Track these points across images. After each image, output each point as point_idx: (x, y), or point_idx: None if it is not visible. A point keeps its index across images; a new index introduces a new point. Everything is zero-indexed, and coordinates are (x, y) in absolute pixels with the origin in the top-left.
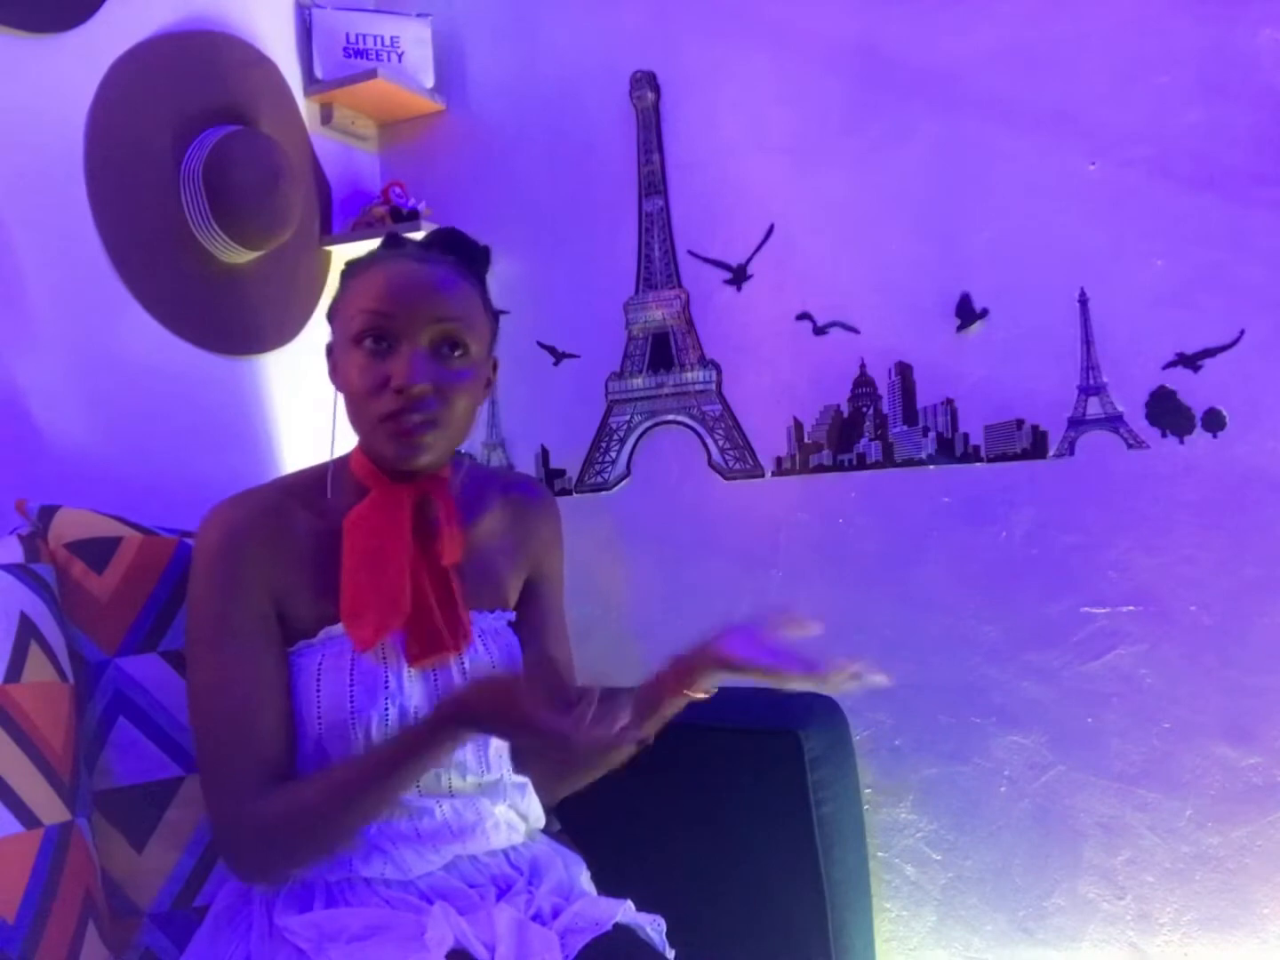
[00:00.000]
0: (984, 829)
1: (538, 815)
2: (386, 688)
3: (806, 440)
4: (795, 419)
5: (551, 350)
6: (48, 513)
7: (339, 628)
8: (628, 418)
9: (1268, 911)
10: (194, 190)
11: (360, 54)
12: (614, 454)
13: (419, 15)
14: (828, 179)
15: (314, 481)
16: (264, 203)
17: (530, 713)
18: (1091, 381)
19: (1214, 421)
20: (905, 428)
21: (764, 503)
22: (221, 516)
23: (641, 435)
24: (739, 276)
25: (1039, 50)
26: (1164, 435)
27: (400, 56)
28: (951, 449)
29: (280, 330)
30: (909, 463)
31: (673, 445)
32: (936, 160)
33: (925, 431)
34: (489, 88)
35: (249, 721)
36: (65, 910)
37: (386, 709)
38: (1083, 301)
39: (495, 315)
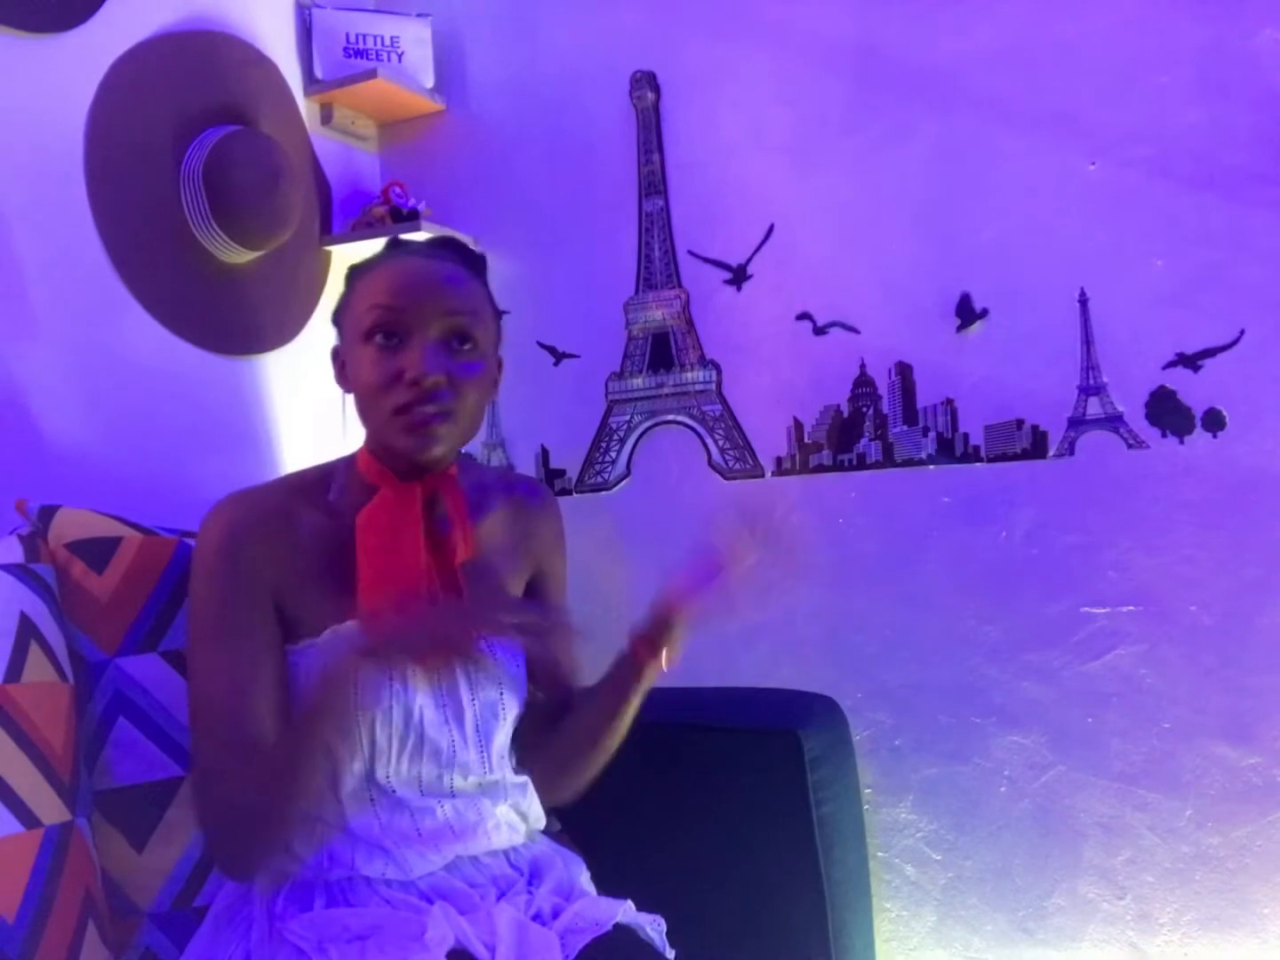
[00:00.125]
0: (984, 829)
1: (538, 815)
2: (390, 687)
3: (806, 440)
4: (795, 419)
5: (551, 350)
6: (48, 513)
7: (345, 626)
8: (628, 418)
9: (1268, 911)
10: (194, 190)
11: (360, 54)
12: (614, 454)
13: (419, 15)
14: (828, 179)
15: (318, 481)
16: (264, 203)
17: (438, 623)
18: (1091, 381)
19: (1214, 421)
20: (905, 428)
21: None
22: (224, 514)
23: (641, 435)
24: (739, 276)
25: (1039, 50)
26: (1164, 435)
27: (400, 56)
28: (951, 449)
29: (280, 330)
30: (909, 463)
31: (673, 445)
32: (936, 160)
33: (925, 431)
34: (489, 88)
35: (243, 719)
36: (65, 910)
37: (391, 707)
38: (1083, 301)
39: (499, 314)
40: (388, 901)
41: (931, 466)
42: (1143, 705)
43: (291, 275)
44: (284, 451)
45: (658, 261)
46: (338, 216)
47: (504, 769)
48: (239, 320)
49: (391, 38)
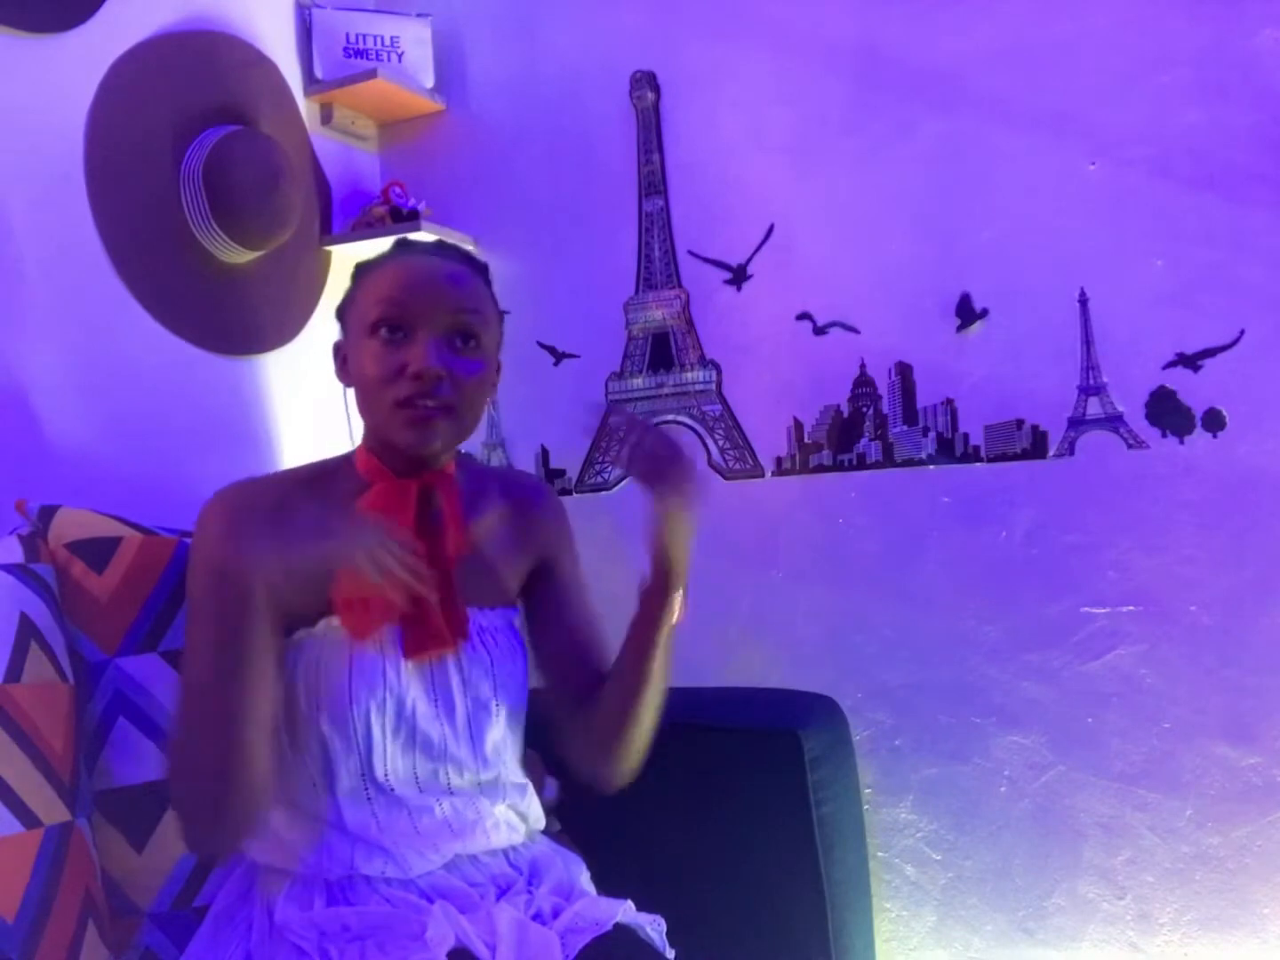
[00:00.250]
0: (984, 829)
1: (538, 815)
2: (384, 679)
3: (806, 440)
4: (795, 419)
5: (551, 350)
6: (48, 513)
7: (338, 618)
8: None
9: (1268, 911)
10: (194, 190)
11: (360, 54)
12: (614, 454)
13: (419, 15)
14: (828, 179)
15: (317, 475)
16: (264, 203)
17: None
18: (1091, 381)
19: (1214, 421)
20: (905, 428)
21: (764, 503)
22: (222, 503)
23: None
24: (739, 276)
25: (1039, 50)
26: (1164, 435)
27: (400, 56)
28: (951, 449)
29: (280, 330)
30: (909, 463)
31: None
32: (937, 160)
33: (925, 431)
34: (489, 88)
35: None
36: (65, 910)
37: (384, 699)
38: (1083, 301)
39: (502, 317)
40: (388, 900)
41: (931, 466)
42: (1143, 705)
43: (291, 275)
44: (284, 451)
45: (658, 261)
46: (338, 216)
47: (499, 767)
48: (239, 320)
49: (391, 38)
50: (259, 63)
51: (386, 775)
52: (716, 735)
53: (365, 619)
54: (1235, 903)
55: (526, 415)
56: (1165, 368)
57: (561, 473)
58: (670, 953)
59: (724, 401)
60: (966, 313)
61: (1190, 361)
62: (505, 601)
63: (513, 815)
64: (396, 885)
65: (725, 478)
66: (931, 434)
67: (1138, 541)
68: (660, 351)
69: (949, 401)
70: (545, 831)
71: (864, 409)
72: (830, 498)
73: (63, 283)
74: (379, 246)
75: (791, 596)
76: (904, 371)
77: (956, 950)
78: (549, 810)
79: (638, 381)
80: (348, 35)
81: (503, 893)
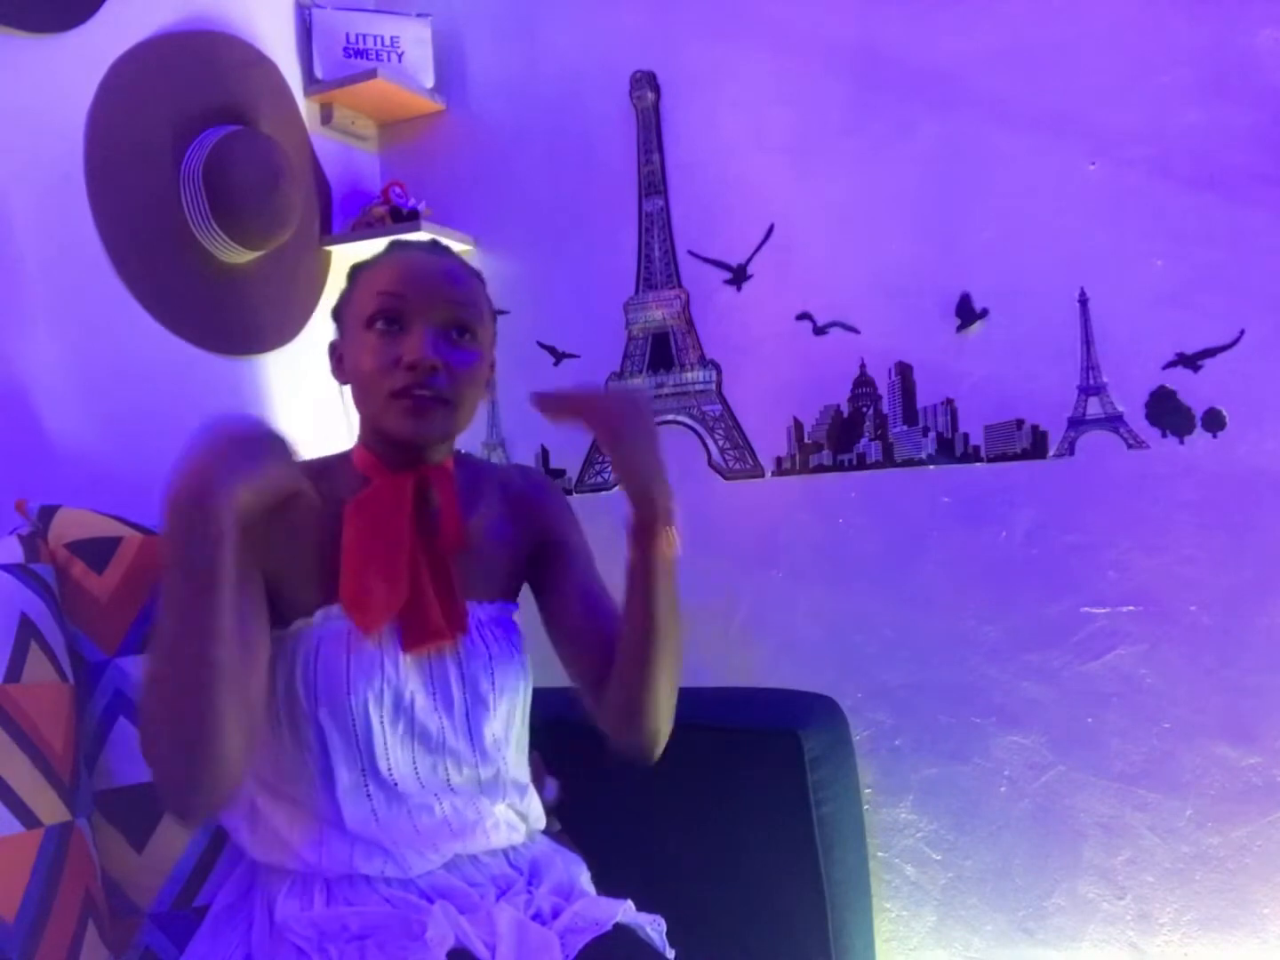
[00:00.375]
0: (984, 829)
1: (538, 816)
2: (382, 671)
3: (806, 440)
4: (795, 419)
5: (551, 350)
6: (48, 513)
7: (335, 609)
8: None
9: (1268, 911)
10: (194, 190)
11: (360, 54)
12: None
13: (419, 15)
14: (828, 179)
15: (314, 470)
16: (264, 203)
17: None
18: (1091, 381)
19: (1214, 421)
20: (905, 428)
21: (764, 503)
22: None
23: None
24: (739, 276)
25: (1039, 50)
26: (1164, 435)
27: (400, 56)
28: (951, 449)
29: (280, 330)
30: (909, 463)
31: (673, 445)
32: (936, 161)
33: (925, 431)
34: (489, 88)
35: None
36: (65, 910)
37: (382, 690)
38: (1083, 301)
39: (495, 316)
40: (387, 900)
41: (931, 466)
42: (1143, 705)
43: (291, 275)
44: None
45: (658, 261)
46: (338, 216)
47: (499, 762)
48: (239, 320)
49: (391, 38)
50: (259, 63)
51: (390, 769)
52: (716, 735)
53: (372, 613)
54: (1235, 903)
55: (526, 415)
56: (1165, 368)
57: (561, 473)
58: (670, 953)
59: (724, 401)
60: (966, 313)
61: (1190, 361)
62: (504, 595)
63: (513, 815)
64: (396, 885)
65: (725, 478)
66: (931, 434)
67: (1138, 541)
68: (660, 351)
69: (949, 401)
70: (545, 831)
71: (864, 409)
72: (830, 498)
73: (63, 282)
74: (379, 246)
75: (791, 596)
76: (904, 371)
77: (956, 950)
78: (549, 810)
79: (638, 381)
80: (348, 35)
81: (502, 893)
